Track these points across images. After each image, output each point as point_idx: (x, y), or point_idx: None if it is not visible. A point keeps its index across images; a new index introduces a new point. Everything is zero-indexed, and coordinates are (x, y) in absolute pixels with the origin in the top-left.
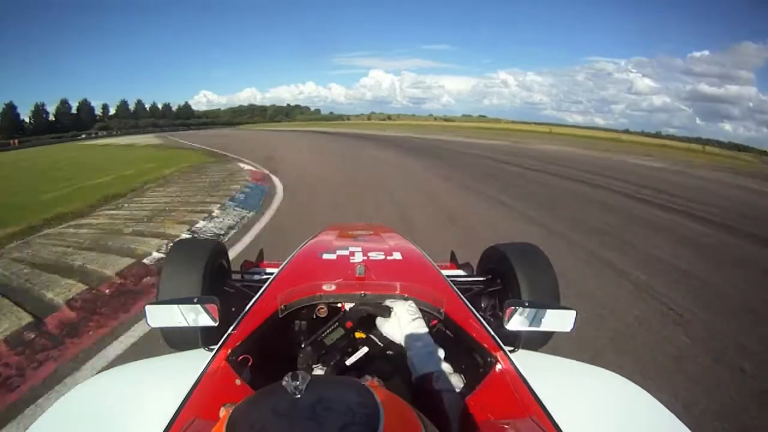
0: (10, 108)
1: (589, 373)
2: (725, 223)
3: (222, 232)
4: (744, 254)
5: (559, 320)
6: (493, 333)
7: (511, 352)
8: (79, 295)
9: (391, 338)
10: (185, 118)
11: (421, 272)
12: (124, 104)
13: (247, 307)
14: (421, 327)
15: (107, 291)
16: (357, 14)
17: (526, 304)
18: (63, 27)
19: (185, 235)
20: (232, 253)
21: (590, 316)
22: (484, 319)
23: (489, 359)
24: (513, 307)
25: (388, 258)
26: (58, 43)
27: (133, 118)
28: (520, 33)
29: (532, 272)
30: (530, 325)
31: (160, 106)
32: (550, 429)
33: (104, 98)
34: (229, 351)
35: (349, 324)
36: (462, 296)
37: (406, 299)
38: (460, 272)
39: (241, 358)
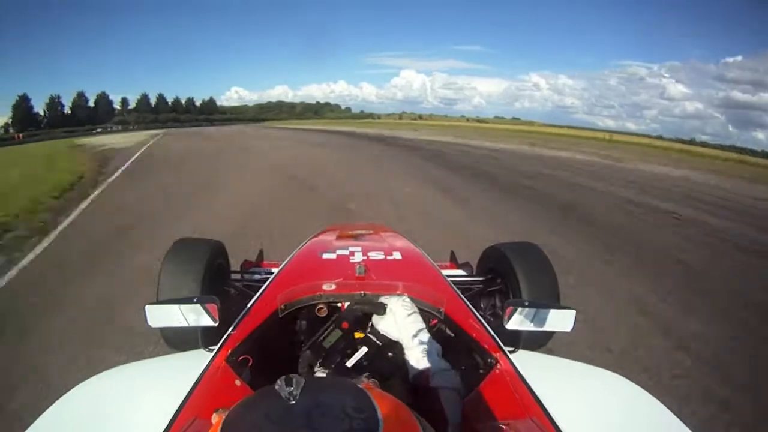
0: (24, 100)
1: (589, 374)
2: None
3: None
4: None
5: (559, 320)
6: (493, 333)
7: (511, 352)
8: None
9: (389, 336)
10: (209, 114)
11: (421, 272)
12: (144, 98)
13: (247, 306)
14: (417, 322)
15: None
16: (390, 14)
17: (526, 304)
18: (96, 22)
19: None
20: None
21: None
22: (484, 319)
23: (489, 359)
24: (513, 307)
25: (388, 258)
26: (89, 37)
27: (154, 113)
28: (553, 35)
29: (532, 272)
30: (530, 325)
31: (183, 101)
32: (550, 429)
33: (134, 94)
34: (229, 351)
35: (345, 325)
36: (462, 296)
37: (405, 299)
38: (460, 272)
39: (241, 358)
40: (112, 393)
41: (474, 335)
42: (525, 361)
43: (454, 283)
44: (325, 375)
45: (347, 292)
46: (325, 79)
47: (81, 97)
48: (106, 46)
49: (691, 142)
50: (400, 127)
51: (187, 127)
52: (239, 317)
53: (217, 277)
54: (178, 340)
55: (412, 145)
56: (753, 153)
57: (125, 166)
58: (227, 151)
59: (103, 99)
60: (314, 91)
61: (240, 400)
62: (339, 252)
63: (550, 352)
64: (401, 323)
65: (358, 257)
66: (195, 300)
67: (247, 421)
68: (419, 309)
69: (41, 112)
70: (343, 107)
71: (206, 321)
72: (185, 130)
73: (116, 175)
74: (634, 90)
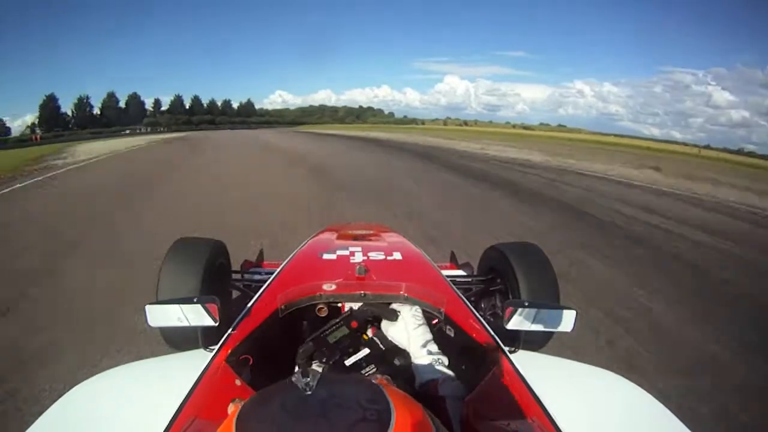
0: (51, 100)
1: (590, 374)
2: None
3: None
4: None
5: (559, 320)
6: (493, 333)
7: (511, 352)
8: None
9: (397, 342)
10: (246, 116)
11: (421, 272)
12: (178, 99)
13: (247, 306)
14: (426, 333)
15: None
16: (434, 19)
17: (526, 304)
18: (148, 24)
19: None
20: None
21: None
22: (484, 319)
23: (489, 359)
24: (513, 307)
25: (388, 258)
26: (131, 39)
27: (188, 114)
28: (598, 41)
29: (532, 272)
30: (530, 325)
31: (219, 103)
32: (550, 429)
33: (171, 96)
34: (229, 351)
35: (354, 324)
36: (462, 296)
37: (406, 299)
38: (460, 272)
39: (241, 358)
40: (112, 393)
41: (474, 335)
42: (525, 361)
43: (455, 283)
44: (321, 369)
45: (347, 292)
46: (368, 84)
47: (111, 97)
48: (147, 50)
49: (739, 152)
50: (449, 134)
51: (214, 130)
52: (239, 317)
53: (218, 276)
54: (178, 340)
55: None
56: None
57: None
58: (183, 172)
59: (134, 100)
60: (357, 96)
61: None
62: (339, 252)
63: (551, 352)
64: (411, 333)
65: (358, 257)
66: (195, 300)
67: (263, 410)
68: (422, 312)
69: (69, 113)
70: (386, 112)
71: (206, 321)
72: (204, 134)
73: None
74: (679, 97)
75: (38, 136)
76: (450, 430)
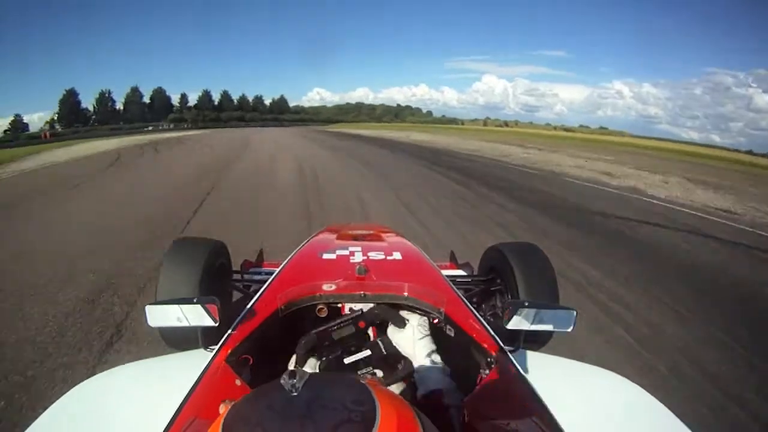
0: (71, 94)
1: (590, 374)
2: None
3: None
4: None
5: (559, 320)
6: (493, 333)
7: (511, 352)
8: None
9: (401, 350)
10: (279, 113)
11: (421, 272)
12: (206, 95)
13: (247, 307)
14: (431, 344)
15: None
16: (472, 17)
17: (526, 304)
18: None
19: None
20: None
21: None
22: (484, 319)
23: (489, 359)
24: (513, 307)
25: (388, 258)
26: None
27: (216, 110)
28: (637, 41)
29: (532, 272)
30: (530, 325)
31: (250, 99)
32: (550, 429)
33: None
34: (229, 351)
35: (362, 324)
36: (462, 296)
37: (407, 299)
38: (460, 272)
39: (241, 358)
40: (112, 393)
41: (474, 335)
42: (525, 361)
43: (454, 283)
44: (319, 363)
45: (347, 292)
46: (406, 83)
47: (135, 92)
48: (179, 46)
49: None
50: (489, 135)
51: (243, 127)
52: (239, 317)
53: (218, 277)
54: (179, 339)
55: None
56: None
57: None
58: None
59: (158, 95)
60: (395, 94)
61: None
62: (339, 252)
63: (551, 352)
64: (418, 342)
65: (358, 257)
66: (195, 300)
67: (249, 411)
68: (420, 309)
69: (90, 108)
70: (424, 111)
71: (206, 321)
72: (218, 132)
73: None
74: (719, 100)
75: (47, 133)
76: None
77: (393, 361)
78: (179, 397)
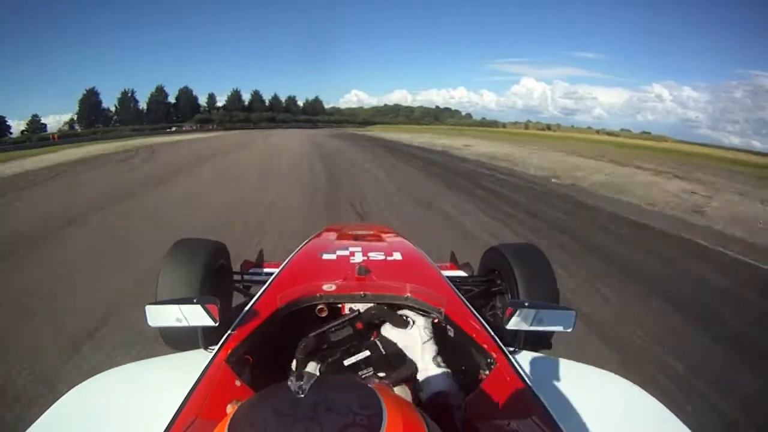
0: (91, 94)
1: (590, 374)
2: None
3: None
4: None
5: (558, 320)
6: (493, 333)
7: (511, 352)
8: None
9: (407, 352)
10: (313, 114)
11: (421, 272)
12: (235, 94)
13: (247, 307)
14: (434, 345)
15: None
16: (511, 19)
17: (526, 304)
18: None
19: None
20: None
21: None
22: (484, 319)
23: (489, 359)
24: (513, 308)
25: (388, 258)
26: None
27: (246, 111)
28: (677, 42)
29: (532, 272)
30: (530, 325)
31: (283, 99)
32: (550, 429)
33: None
34: (229, 351)
35: (359, 325)
36: (462, 296)
37: (406, 299)
38: (460, 272)
39: (241, 358)
40: (112, 393)
41: (474, 336)
42: (525, 361)
43: (454, 283)
44: (318, 365)
45: (347, 292)
46: (444, 85)
47: (160, 91)
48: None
49: None
50: (531, 140)
51: (272, 128)
52: (239, 317)
53: (218, 277)
54: (179, 339)
55: None
56: None
57: None
58: None
59: (185, 94)
60: (433, 96)
61: (242, 398)
62: (339, 252)
63: (551, 352)
64: (424, 345)
65: (358, 258)
66: (195, 300)
67: (255, 412)
68: (420, 310)
69: (112, 108)
70: (463, 113)
71: (206, 321)
72: (232, 136)
73: None
74: (760, 104)
75: (56, 135)
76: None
77: (392, 361)
78: (179, 397)
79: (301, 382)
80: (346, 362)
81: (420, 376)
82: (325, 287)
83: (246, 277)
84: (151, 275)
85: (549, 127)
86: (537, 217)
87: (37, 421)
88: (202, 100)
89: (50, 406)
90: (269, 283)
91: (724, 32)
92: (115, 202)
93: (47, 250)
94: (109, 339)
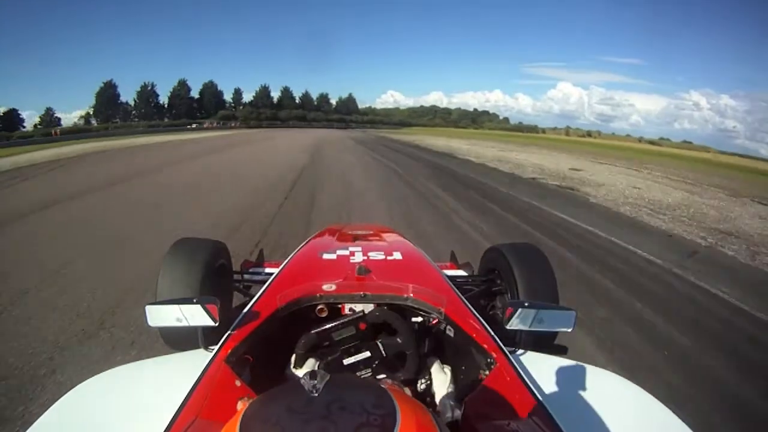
0: (108, 87)
1: (590, 374)
2: None
3: None
4: None
5: (558, 320)
6: (493, 333)
7: (511, 352)
8: None
9: (438, 393)
10: (345, 113)
11: (421, 272)
12: (264, 90)
13: (247, 307)
14: (435, 348)
15: None
16: (545, 23)
17: (526, 304)
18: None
19: None
20: None
21: None
22: (484, 319)
23: (489, 359)
24: (513, 308)
25: (389, 258)
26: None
27: (275, 109)
28: (716, 49)
29: (532, 272)
30: (530, 325)
31: (314, 96)
32: (551, 429)
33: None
34: (229, 351)
35: (363, 326)
36: (462, 296)
37: (406, 300)
38: (461, 272)
39: (241, 358)
40: (112, 393)
41: (474, 335)
42: (525, 361)
43: (454, 283)
44: (318, 363)
45: (347, 292)
46: (480, 88)
47: (182, 86)
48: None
49: None
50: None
51: (304, 128)
52: (239, 317)
53: (218, 277)
54: (179, 339)
55: None
56: None
57: None
58: None
59: (209, 89)
60: (469, 99)
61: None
62: (339, 252)
63: (551, 352)
64: (450, 385)
65: (358, 257)
66: (195, 300)
67: (268, 410)
68: (421, 310)
69: (131, 102)
70: (500, 117)
71: (206, 321)
72: (246, 134)
73: None
74: None
75: (57, 131)
76: None
77: (392, 363)
78: (179, 397)
79: (315, 381)
80: (346, 362)
81: (420, 378)
82: (325, 287)
83: (246, 277)
84: None
85: (589, 134)
86: None
87: (38, 421)
88: (228, 96)
89: (51, 406)
90: (269, 283)
91: (763, 41)
92: None
93: None
94: None
